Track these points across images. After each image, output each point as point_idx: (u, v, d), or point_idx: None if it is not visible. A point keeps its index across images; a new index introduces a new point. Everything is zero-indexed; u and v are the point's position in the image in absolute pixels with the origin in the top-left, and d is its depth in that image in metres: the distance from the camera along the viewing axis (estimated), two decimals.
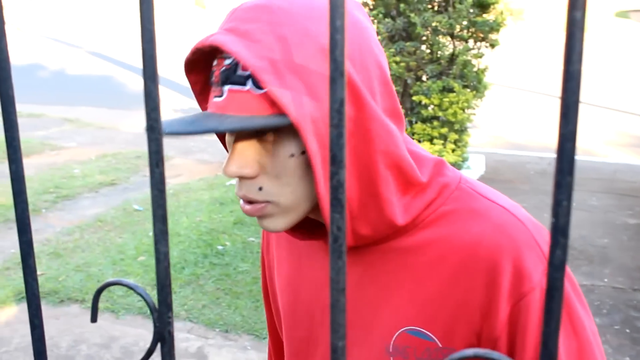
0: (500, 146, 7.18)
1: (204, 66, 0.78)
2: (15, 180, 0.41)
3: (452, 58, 5.19)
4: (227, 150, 0.79)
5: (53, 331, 3.45)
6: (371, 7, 5.30)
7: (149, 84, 0.35)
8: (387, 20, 5.11)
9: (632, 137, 7.72)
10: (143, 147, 7.13)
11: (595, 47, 13.97)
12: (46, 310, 3.70)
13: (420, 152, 0.82)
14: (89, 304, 3.76)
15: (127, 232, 4.78)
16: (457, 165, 5.59)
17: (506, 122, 8.20)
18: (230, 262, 4.24)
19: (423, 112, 5.22)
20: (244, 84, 0.71)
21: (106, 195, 5.69)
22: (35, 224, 4.98)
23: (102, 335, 3.44)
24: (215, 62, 0.75)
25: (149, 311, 3.62)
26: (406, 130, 5.33)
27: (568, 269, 0.71)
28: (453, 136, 5.27)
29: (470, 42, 5.24)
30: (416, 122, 5.32)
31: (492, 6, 5.17)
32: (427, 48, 5.19)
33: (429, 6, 5.12)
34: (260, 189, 0.75)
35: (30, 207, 5.32)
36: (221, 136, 0.86)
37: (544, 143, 7.26)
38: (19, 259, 4.33)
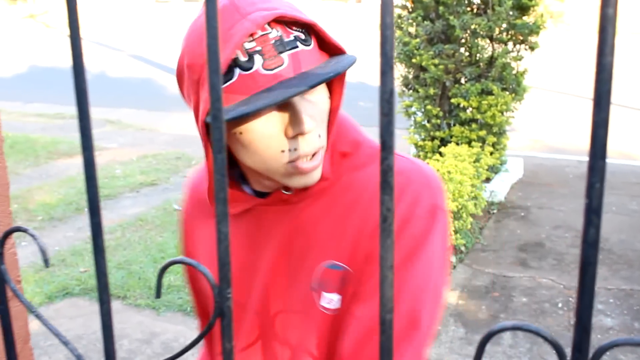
0: (539, 149, 7.10)
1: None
2: (88, 166, 0.45)
3: (491, 61, 5.16)
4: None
5: (96, 326, 3.54)
6: (410, 9, 5.30)
7: (212, 76, 0.39)
8: (426, 22, 5.11)
9: None
10: (182, 148, 7.24)
11: (636, 49, 13.69)
12: (90, 306, 3.80)
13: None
14: (131, 300, 3.85)
15: (167, 231, 4.87)
16: (495, 168, 5.55)
17: (545, 125, 8.09)
18: None
19: (461, 114, 5.20)
20: (297, 46, 0.79)
21: (147, 195, 5.80)
22: (79, 222, 5.11)
23: (143, 331, 3.52)
24: (250, 46, 0.78)
25: (189, 308, 3.69)
26: (444, 132, 5.32)
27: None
28: (491, 139, 5.23)
29: (510, 45, 5.20)
30: (454, 125, 5.30)
31: (531, 9, 5.12)
32: (465, 50, 5.16)
33: (468, 9, 5.10)
34: (319, 136, 0.84)
35: (74, 206, 5.46)
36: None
37: (583, 147, 7.15)
38: (63, 257, 4.45)
